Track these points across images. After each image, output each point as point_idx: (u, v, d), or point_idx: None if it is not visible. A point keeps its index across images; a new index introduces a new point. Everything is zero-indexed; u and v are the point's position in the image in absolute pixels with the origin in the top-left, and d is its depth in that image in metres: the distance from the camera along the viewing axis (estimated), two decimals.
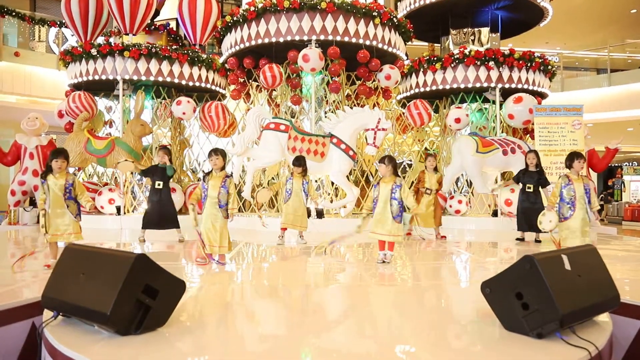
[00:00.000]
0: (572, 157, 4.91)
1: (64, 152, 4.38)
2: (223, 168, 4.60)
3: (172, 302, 2.62)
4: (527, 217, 6.23)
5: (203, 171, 10.44)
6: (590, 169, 8.92)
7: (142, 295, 2.42)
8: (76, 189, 4.36)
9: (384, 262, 4.65)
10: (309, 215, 7.49)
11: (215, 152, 4.59)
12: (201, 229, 4.52)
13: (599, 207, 5.00)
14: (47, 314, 2.69)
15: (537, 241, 6.38)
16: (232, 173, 4.46)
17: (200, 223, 4.59)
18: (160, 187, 6.27)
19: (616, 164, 22.27)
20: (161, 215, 6.28)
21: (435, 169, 6.93)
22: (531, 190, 6.34)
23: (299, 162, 6.16)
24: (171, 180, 7.00)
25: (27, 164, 8.69)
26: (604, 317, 2.73)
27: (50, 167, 4.31)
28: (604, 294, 2.64)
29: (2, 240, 6.75)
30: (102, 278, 2.45)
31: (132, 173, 8.94)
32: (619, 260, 5.12)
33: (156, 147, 9.10)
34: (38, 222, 8.91)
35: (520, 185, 6.51)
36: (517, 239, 6.55)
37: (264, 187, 4.99)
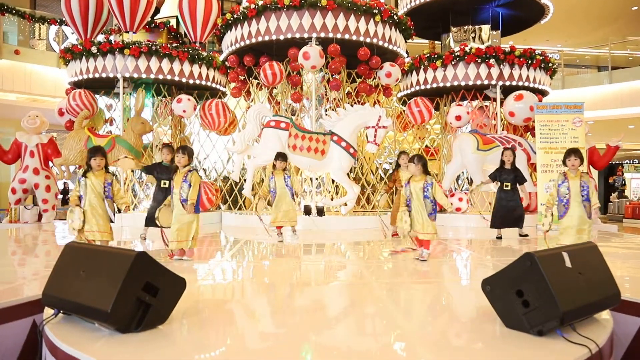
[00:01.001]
0: (566, 155, 4.91)
1: (102, 150, 4.46)
2: (187, 166, 4.56)
3: (173, 300, 2.62)
4: (505, 214, 6.37)
5: (204, 169, 10.44)
6: (590, 166, 8.91)
7: (142, 293, 2.42)
8: (113, 188, 4.41)
9: (421, 259, 4.64)
10: (309, 212, 7.51)
11: (183, 150, 4.54)
12: (172, 227, 4.54)
13: (599, 205, 4.97)
14: (48, 311, 2.69)
15: (524, 235, 6.50)
16: (194, 168, 4.46)
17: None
18: (167, 186, 6.24)
19: (617, 162, 22.26)
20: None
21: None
22: (509, 187, 6.41)
23: (283, 157, 6.16)
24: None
25: (28, 162, 8.69)
26: (605, 315, 2.73)
27: (90, 165, 4.37)
28: (605, 291, 2.63)
29: (2, 238, 6.76)
30: (102, 276, 2.45)
31: (132, 171, 8.95)
32: (619, 258, 5.11)
33: (157, 145, 9.11)
34: (39, 220, 8.96)
35: (498, 183, 6.55)
36: (498, 238, 6.53)
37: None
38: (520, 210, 6.46)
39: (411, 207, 4.63)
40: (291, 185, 6.10)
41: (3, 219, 9.42)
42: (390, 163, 11.19)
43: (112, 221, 4.55)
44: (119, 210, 4.58)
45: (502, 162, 6.52)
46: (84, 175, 4.40)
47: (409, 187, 4.66)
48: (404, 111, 9.96)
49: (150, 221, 6.28)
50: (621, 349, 3.03)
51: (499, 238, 6.53)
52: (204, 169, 10.43)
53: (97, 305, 2.34)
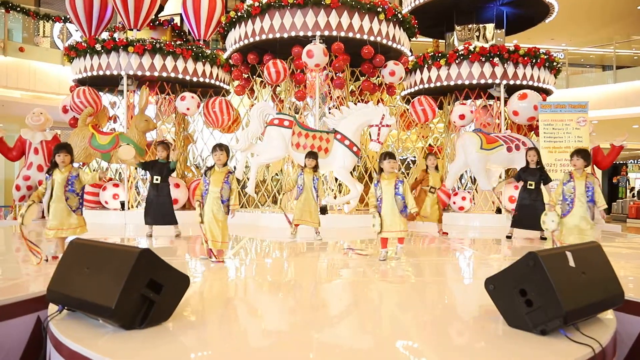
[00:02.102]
0: (571, 155, 4.91)
1: (67, 147, 4.38)
2: (226, 164, 4.59)
3: (177, 297, 2.63)
4: (528, 214, 6.19)
5: (206, 166, 10.45)
6: (594, 166, 8.88)
7: (146, 290, 2.43)
8: (81, 181, 4.37)
9: (386, 259, 4.66)
10: (325, 212, 7.54)
11: (220, 147, 4.57)
12: (205, 225, 4.49)
13: (605, 206, 4.92)
14: (52, 308, 2.70)
15: (543, 238, 6.33)
16: (234, 169, 4.46)
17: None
18: (158, 182, 6.27)
19: (621, 162, 22.16)
20: (157, 210, 6.27)
21: (436, 167, 6.93)
22: (533, 187, 6.28)
23: (313, 156, 6.16)
24: (173, 175, 7.01)
25: (32, 159, 8.72)
26: (608, 315, 2.72)
27: (56, 162, 4.32)
28: (608, 291, 2.63)
29: (7, 235, 6.79)
30: (106, 272, 2.46)
31: (136, 168, 8.96)
32: (623, 258, 5.10)
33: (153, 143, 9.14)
34: (43, 217, 8.99)
35: (521, 182, 6.46)
36: (507, 237, 6.47)
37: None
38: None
39: (381, 208, 4.62)
40: (317, 187, 6.10)
41: (7, 215, 9.46)
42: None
43: (79, 212, 4.42)
44: (79, 208, 4.43)
45: (527, 162, 6.43)
46: (50, 172, 4.32)
47: (379, 186, 4.63)
48: (407, 110, 9.94)
49: (145, 219, 6.32)
50: (624, 349, 3.02)
51: (509, 237, 6.46)
52: (206, 166, 10.43)
53: (102, 301, 2.36)
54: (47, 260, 4.24)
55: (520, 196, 6.43)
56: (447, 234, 6.90)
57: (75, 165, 8.93)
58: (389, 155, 4.65)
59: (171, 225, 6.42)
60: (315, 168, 6.18)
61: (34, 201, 4.22)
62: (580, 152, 4.85)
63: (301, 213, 6.11)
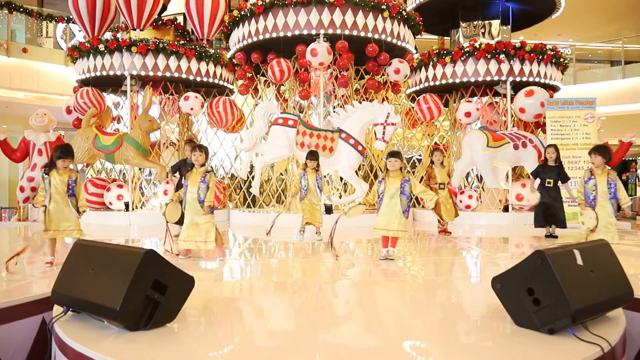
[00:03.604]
0: (589, 153, 4.86)
1: (72, 152, 4.37)
2: (203, 165, 4.57)
3: (181, 298, 2.62)
4: (548, 212, 6.12)
5: (211, 167, 10.46)
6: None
7: (151, 291, 2.42)
8: (77, 187, 4.34)
9: (387, 258, 4.61)
10: (330, 211, 7.52)
11: (200, 148, 4.56)
12: (184, 226, 4.55)
13: (629, 203, 4.83)
14: (57, 309, 2.70)
15: (554, 236, 6.22)
16: (212, 169, 4.49)
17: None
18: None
19: (630, 158, 21.96)
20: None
21: (442, 163, 6.79)
22: (551, 185, 6.15)
23: (314, 156, 6.11)
24: (176, 175, 6.99)
25: (36, 160, 8.75)
26: (617, 313, 2.69)
27: (55, 163, 4.26)
28: (617, 289, 2.59)
29: (11, 237, 6.82)
30: (111, 274, 2.46)
31: (140, 169, 8.98)
32: (632, 256, 5.04)
33: (164, 143, 9.14)
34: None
35: (539, 180, 6.29)
36: (547, 236, 6.28)
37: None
38: (562, 209, 6.19)
39: (381, 204, 4.56)
40: (321, 186, 6.08)
41: (12, 217, 9.50)
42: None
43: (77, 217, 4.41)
44: (78, 212, 4.40)
45: (545, 159, 6.33)
46: (47, 172, 4.26)
47: (383, 183, 4.58)
48: (412, 108, 9.90)
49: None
50: (634, 348, 2.99)
51: (550, 236, 6.25)
52: (211, 166, 10.45)
53: (106, 303, 2.35)
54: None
55: (540, 194, 6.30)
56: (450, 233, 6.80)
57: (80, 166, 8.98)
58: (392, 154, 4.61)
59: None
60: (317, 167, 6.15)
61: (45, 206, 4.21)
62: (598, 150, 4.78)
63: (311, 214, 6.07)
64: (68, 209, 4.28)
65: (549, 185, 6.19)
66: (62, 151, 4.29)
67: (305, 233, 6.22)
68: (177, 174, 6.26)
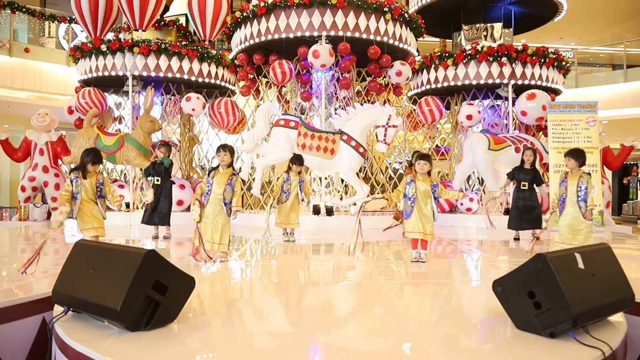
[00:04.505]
0: (564, 155, 4.86)
1: (102, 157, 4.53)
2: (230, 165, 4.55)
3: (182, 299, 2.61)
4: (522, 214, 6.23)
5: (211, 167, 10.46)
6: (605, 166, 8.79)
7: (151, 292, 2.41)
8: (105, 188, 4.45)
9: (419, 260, 4.55)
10: (319, 212, 7.51)
11: (224, 148, 4.54)
12: (203, 225, 4.42)
13: (593, 207, 4.82)
14: (58, 309, 2.70)
15: (516, 239, 6.38)
16: (240, 170, 4.44)
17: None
18: (159, 182, 6.28)
19: (632, 162, 21.91)
20: (153, 210, 6.27)
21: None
22: (526, 187, 6.27)
23: (300, 161, 6.18)
24: (178, 175, 7.00)
25: (37, 160, 8.76)
26: (619, 317, 2.68)
27: (86, 167, 4.34)
28: (619, 293, 2.59)
29: (12, 236, 6.83)
30: (112, 274, 2.45)
31: (141, 169, 8.97)
32: (634, 260, 5.04)
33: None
34: (48, 217, 9.03)
35: (514, 182, 6.42)
36: (515, 239, 6.43)
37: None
38: (538, 211, 6.30)
39: (413, 207, 4.50)
40: (302, 188, 6.11)
41: (13, 216, 9.51)
42: (400, 162, 11.15)
43: (104, 218, 4.52)
44: (108, 209, 4.54)
45: (522, 161, 6.39)
46: (84, 176, 4.33)
47: (412, 185, 4.51)
48: (414, 110, 9.90)
49: (143, 219, 6.33)
50: (635, 352, 2.97)
51: (517, 239, 6.42)
52: (211, 166, 10.45)
53: (107, 303, 2.34)
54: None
55: (514, 196, 6.42)
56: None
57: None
58: (422, 156, 4.57)
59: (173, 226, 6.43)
60: (300, 172, 6.19)
61: (68, 202, 4.30)
62: (572, 153, 4.77)
63: (287, 217, 6.10)
64: (96, 208, 4.38)
65: (524, 187, 6.28)
66: (94, 155, 4.39)
67: (291, 234, 6.22)
68: (150, 178, 6.30)
